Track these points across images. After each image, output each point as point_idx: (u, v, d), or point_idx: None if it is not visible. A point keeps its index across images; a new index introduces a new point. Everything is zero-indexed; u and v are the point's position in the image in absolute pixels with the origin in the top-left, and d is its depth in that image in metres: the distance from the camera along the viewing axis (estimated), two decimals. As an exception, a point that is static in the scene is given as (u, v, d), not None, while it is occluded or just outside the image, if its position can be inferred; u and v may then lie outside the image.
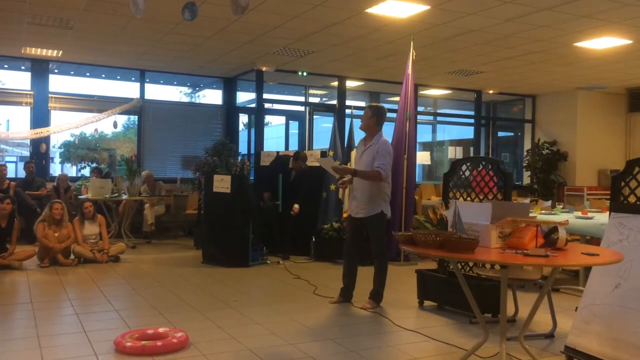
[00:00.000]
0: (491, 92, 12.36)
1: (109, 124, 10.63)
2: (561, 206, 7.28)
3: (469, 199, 5.14)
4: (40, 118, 9.84)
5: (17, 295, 5.52)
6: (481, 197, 5.02)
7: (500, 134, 14.21)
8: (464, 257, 3.06)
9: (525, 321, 3.42)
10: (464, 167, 5.26)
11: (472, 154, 13.00)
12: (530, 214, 3.91)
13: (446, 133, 14.42)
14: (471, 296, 3.39)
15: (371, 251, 5.12)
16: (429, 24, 7.17)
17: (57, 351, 3.75)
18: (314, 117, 11.53)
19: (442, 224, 4.95)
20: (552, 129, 12.55)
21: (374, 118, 5.05)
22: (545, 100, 12.72)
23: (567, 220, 3.95)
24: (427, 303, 5.16)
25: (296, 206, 7.64)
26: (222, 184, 7.29)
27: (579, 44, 7.99)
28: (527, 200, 7.85)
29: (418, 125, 10.36)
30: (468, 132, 13.31)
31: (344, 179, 5.11)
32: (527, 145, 13.02)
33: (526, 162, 12.69)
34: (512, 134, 14.40)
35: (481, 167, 5.34)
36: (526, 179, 12.92)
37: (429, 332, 4.29)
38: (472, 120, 13.00)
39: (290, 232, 7.78)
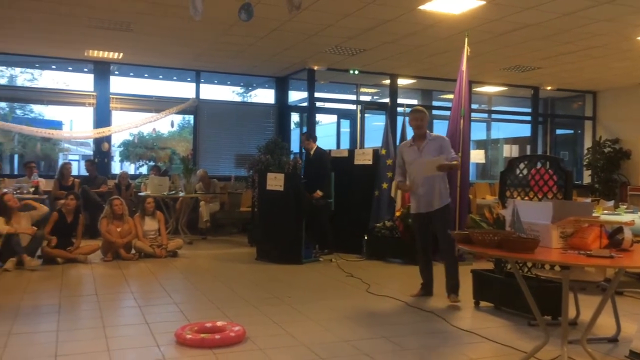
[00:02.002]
0: (549, 88, 12.00)
1: (166, 124, 10.98)
2: (625, 206, 7.00)
3: (526, 198, 5.03)
4: (102, 118, 10.26)
5: (83, 287, 5.79)
6: (540, 196, 4.90)
7: (559, 131, 13.77)
8: (524, 257, 3.01)
9: (588, 324, 3.33)
10: (521, 166, 5.15)
11: (528, 152, 12.67)
12: (593, 214, 3.79)
13: (501, 131, 14.10)
14: (531, 297, 3.32)
15: (439, 246, 5.27)
16: (484, 19, 7.04)
17: (121, 341, 3.92)
18: (366, 115, 11.51)
19: (498, 224, 4.85)
20: (614, 126, 12.06)
21: (427, 117, 5.32)
22: (607, 96, 12.24)
23: (633, 221, 3.82)
24: (483, 304, 5.08)
25: (319, 193, 7.77)
26: (275, 182, 7.39)
27: (644, 37, 7.67)
28: (588, 200, 7.59)
29: (472, 123, 10.15)
30: (524, 130, 12.97)
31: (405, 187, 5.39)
32: (588, 143, 12.57)
33: (586, 160, 12.26)
34: (571, 131, 13.94)
35: (540, 165, 5.21)
36: (586, 178, 12.48)
37: (485, 333, 4.22)
38: (529, 118, 12.66)
39: (325, 228, 7.84)
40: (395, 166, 7.67)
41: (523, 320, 4.56)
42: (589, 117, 12.62)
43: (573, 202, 4.20)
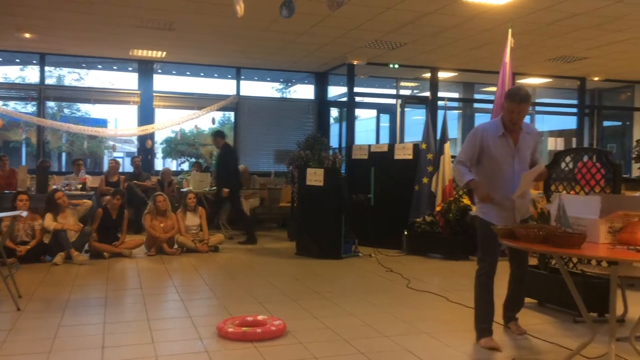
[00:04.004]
0: (596, 79, 11.61)
1: (207, 120, 11.17)
2: (677, 200, 6.72)
3: (572, 192, 4.89)
4: (146, 116, 10.50)
5: (128, 281, 5.94)
6: (587, 190, 4.76)
7: (606, 123, 13.33)
8: (570, 252, 2.93)
9: (637, 321, 3.22)
10: (567, 159, 5.01)
11: (574, 145, 12.31)
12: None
13: (545, 123, 13.74)
14: (577, 294, 3.23)
15: (522, 263, 4.28)
16: (529, 9, 6.86)
17: (165, 334, 4.01)
18: (405, 109, 11.40)
19: (543, 218, 4.71)
20: (665, 117, 11.59)
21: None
22: (658, 87, 11.76)
23: (687, 215, 3.65)
24: (526, 300, 4.95)
25: (225, 190, 8.30)
26: (315, 177, 7.41)
27: (699, 24, 7.32)
28: (638, 194, 7.32)
29: (515, 116, 9.96)
30: (570, 122, 12.61)
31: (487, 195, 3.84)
32: (637, 135, 12.14)
33: (636, 153, 11.81)
34: (619, 123, 13.46)
35: (586, 158, 5.06)
36: (635, 171, 12.03)
37: (530, 329, 4.12)
38: (574, 110, 12.29)
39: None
40: (435, 160, 7.66)
41: (568, 316, 4.45)
42: (639, 108, 12.15)
43: (622, 196, 4.06)
